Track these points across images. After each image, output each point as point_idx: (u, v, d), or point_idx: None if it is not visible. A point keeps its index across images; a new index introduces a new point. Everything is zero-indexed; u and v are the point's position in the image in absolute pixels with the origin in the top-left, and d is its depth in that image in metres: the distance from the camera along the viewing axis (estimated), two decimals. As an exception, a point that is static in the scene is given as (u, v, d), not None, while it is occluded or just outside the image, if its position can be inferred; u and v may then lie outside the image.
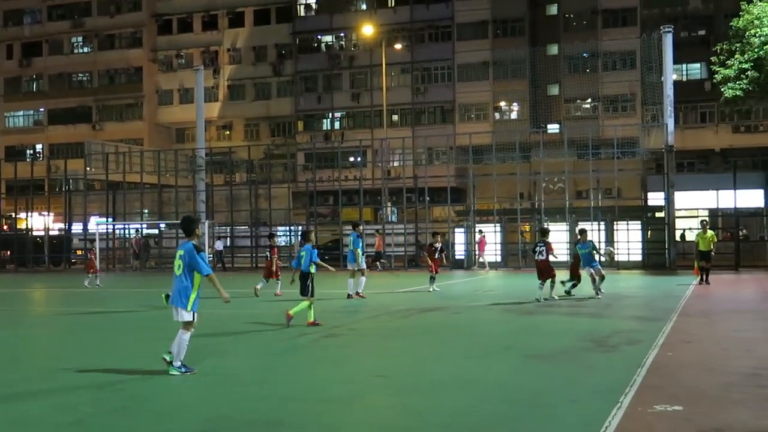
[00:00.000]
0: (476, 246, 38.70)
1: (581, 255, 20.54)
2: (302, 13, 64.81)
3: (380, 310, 17.86)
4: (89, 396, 8.66)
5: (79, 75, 71.03)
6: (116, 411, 7.95)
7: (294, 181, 50.68)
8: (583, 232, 21.15)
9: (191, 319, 9.61)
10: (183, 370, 9.60)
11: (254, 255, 42.50)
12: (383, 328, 14.93)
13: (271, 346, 11.92)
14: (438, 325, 15.07)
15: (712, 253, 25.79)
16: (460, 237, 41.20)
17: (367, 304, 19.17)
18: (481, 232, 38.48)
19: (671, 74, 38.73)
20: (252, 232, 43.74)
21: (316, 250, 14.74)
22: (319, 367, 10.11)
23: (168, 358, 9.63)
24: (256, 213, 44.82)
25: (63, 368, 10.58)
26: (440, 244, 24.43)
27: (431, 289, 23.25)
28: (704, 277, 25.43)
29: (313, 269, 14.52)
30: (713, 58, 36.14)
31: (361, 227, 22.51)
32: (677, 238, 41.62)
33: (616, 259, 33.29)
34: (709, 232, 25.57)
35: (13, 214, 50.52)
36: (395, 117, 61.25)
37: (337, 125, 63.71)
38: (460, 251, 40.76)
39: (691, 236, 40.10)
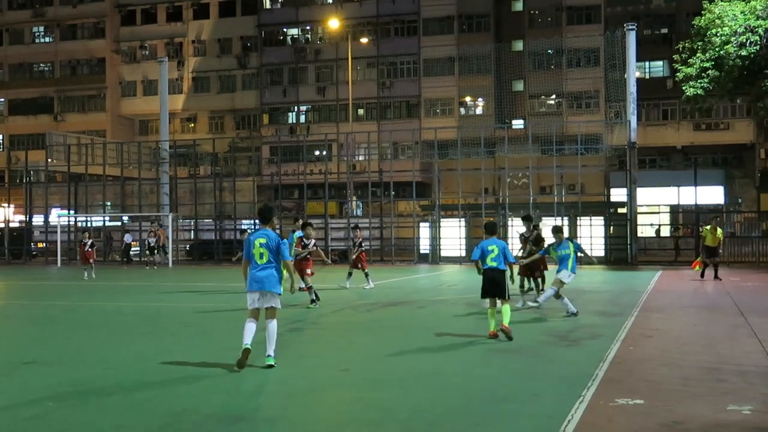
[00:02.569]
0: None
1: (559, 257, 15.81)
2: (268, 6, 64.50)
3: (344, 305, 17.85)
4: (51, 390, 8.56)
5: (41, 65, 70.01)
6: (79, 405, 7.88)
7: (259, 174, 50.42)
8: (559, 230, 16.08)
9: (280, 306, 9.98)
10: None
11: (218, 248, 42.19)
12: (347, 322, 14.93)
13: (234, 340, 11.85)
14: (402, 320, 15.10)
15: (720, 250, 26.71)
16: (424, 231, 41.31)
17: (330, 299, 19.14)
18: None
19: (634, 72, 39.13)
20: (216, 225, 43.46)
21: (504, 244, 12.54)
22: (282, 362, 10.07)
23: (271, 362, 9.69)
24: (221, 206, 44.59)
25: (24, 362, 10.46)
26: (360, 239, 22.78)
27: (347, 285, 22.12)
28: (715, 272, 26.00)
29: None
30: (675, 57, 36.53)
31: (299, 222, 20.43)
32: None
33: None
34: (719, 231, 26.27)
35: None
36: (361, 111, 61.20)
37: (302, 119, 63.51)
38: (424, 246, 40.88)
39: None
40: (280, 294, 9.82)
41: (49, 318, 16.32)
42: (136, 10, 67.51)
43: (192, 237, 45.17)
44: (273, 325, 9.80)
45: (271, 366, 9.55)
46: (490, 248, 12.26)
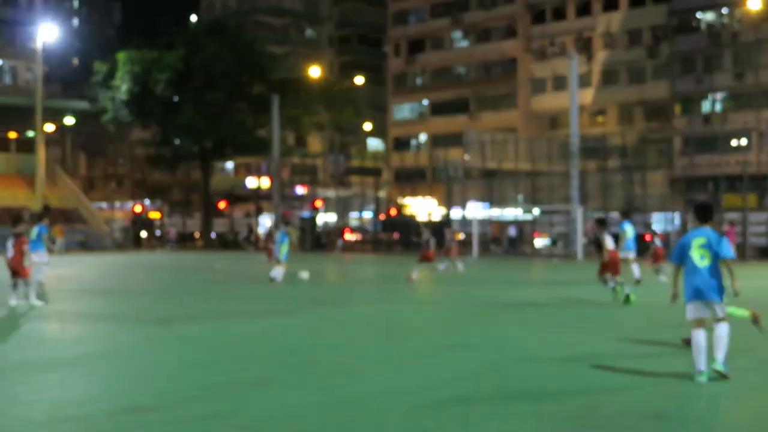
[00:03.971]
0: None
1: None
2: (680, -8, 61.76)
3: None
4: (470, 373, 9.03)
5: (458, 68, 74.35)
6: (488, 388, 8.19)
7: (670, 166, 48.57)
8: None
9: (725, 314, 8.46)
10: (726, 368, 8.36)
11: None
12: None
13: (641, 334, 11.49)
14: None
15: None
16: None
17: None
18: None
19: None
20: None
21: None
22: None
23: (719, 368, 8.29)
24: (630, 200, 43.61)
25: (447, 345, 11.16)
26: (431, 237, 25.11)
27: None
28: None
29: None
30: None
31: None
32: None
33: None
34: None
35: (401, 200, 54.39)
36: (785, 96, 56.00)
37: (717, 107, 59.87)
38: None
39: None
40: (721, 302, 8.35)
41: (467, 304, 17.23)
42: (545, 8, 68.68)
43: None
44: (724, 328, 8.32)
45: (720, 374, 8.22)
46: None
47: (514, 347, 11.02)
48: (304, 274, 22.58)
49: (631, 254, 20.60)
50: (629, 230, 20.50)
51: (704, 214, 8.64)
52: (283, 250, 22.04)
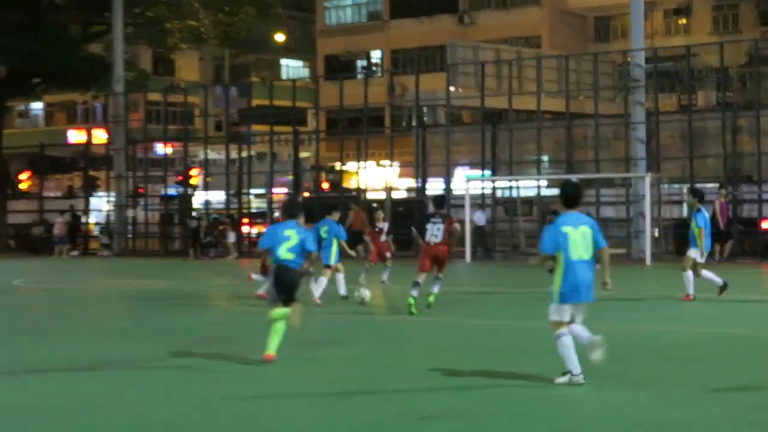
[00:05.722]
0: None
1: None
2: None
3: None
4: None
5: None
6: None
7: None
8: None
9: None
10: None
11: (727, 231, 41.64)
12: None
13: None
14: None
15: None
16: None
17: None
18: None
19: None
20: (729, 193, 42.72)
21: None
22: None
23: None
24: (734, 159, 43.78)
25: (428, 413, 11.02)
26: (385, 224, 29.18)
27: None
28: None
29: None
30: None
31: None
32: None
33: None
34: None
35: (338, 165, 53.99)
36: None
37: None
38: None
39: None
40: None
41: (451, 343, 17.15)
42: None
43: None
44: None
45: None
46: None
47: (564, 414, 11.20)
48: (366, 293, 22.97)
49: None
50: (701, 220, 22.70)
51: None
52: (333, 251, 23.50)
